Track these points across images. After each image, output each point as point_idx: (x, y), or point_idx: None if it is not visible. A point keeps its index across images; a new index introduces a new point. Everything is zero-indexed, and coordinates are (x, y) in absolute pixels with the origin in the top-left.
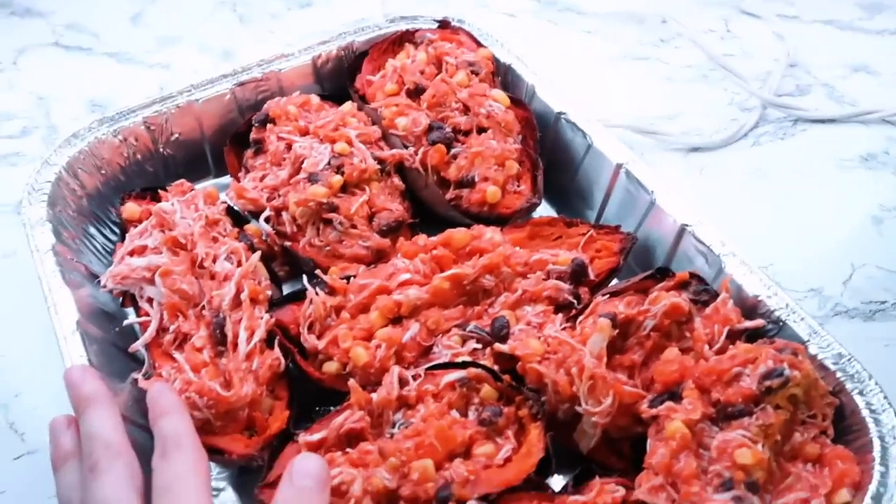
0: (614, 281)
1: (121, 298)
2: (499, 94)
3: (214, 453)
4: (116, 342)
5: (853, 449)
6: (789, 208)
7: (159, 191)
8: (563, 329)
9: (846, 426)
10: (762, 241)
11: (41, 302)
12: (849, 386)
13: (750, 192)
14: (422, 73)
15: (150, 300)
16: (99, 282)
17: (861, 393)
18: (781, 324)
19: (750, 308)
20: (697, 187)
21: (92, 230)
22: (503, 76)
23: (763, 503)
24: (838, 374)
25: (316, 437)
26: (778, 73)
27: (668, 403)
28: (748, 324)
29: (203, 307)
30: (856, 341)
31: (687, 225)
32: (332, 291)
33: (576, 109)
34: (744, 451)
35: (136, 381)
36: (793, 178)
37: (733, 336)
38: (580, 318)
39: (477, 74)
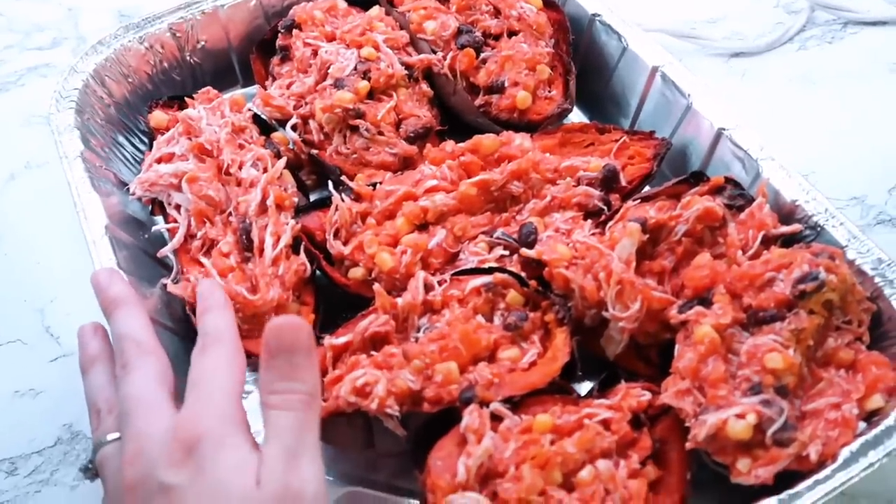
0: (647, 188)
1: (150, 206)
2: None
3: None
4: (146, 248)
5: (889, 355)
6: (835, 115)
7: (186, 99)
8: (592, 234)
9: (883, 332)
10: (804, 148)
11: (72, 209)
12: (887, 291)
13: (794, 98)
14: None
15: (177, 207)
16: (128, 190)
17: None
18: (819, 229)
19: (787, 214)
20: (738, 93)
21: (121, 139)
22: None
23: (792, 408)
24: (877, 280)
25: (341, 340)
26: None
27: (698, 308)
28: (784, 229)
29: (230, 213)
30: None
31: (724, 129)
32: (358, 197)
33: (611, 11)
34: (774, 356)
35: (164, 286)
36: (840, 83)
37: (768, 242)
38: (609, 223)
39: None
